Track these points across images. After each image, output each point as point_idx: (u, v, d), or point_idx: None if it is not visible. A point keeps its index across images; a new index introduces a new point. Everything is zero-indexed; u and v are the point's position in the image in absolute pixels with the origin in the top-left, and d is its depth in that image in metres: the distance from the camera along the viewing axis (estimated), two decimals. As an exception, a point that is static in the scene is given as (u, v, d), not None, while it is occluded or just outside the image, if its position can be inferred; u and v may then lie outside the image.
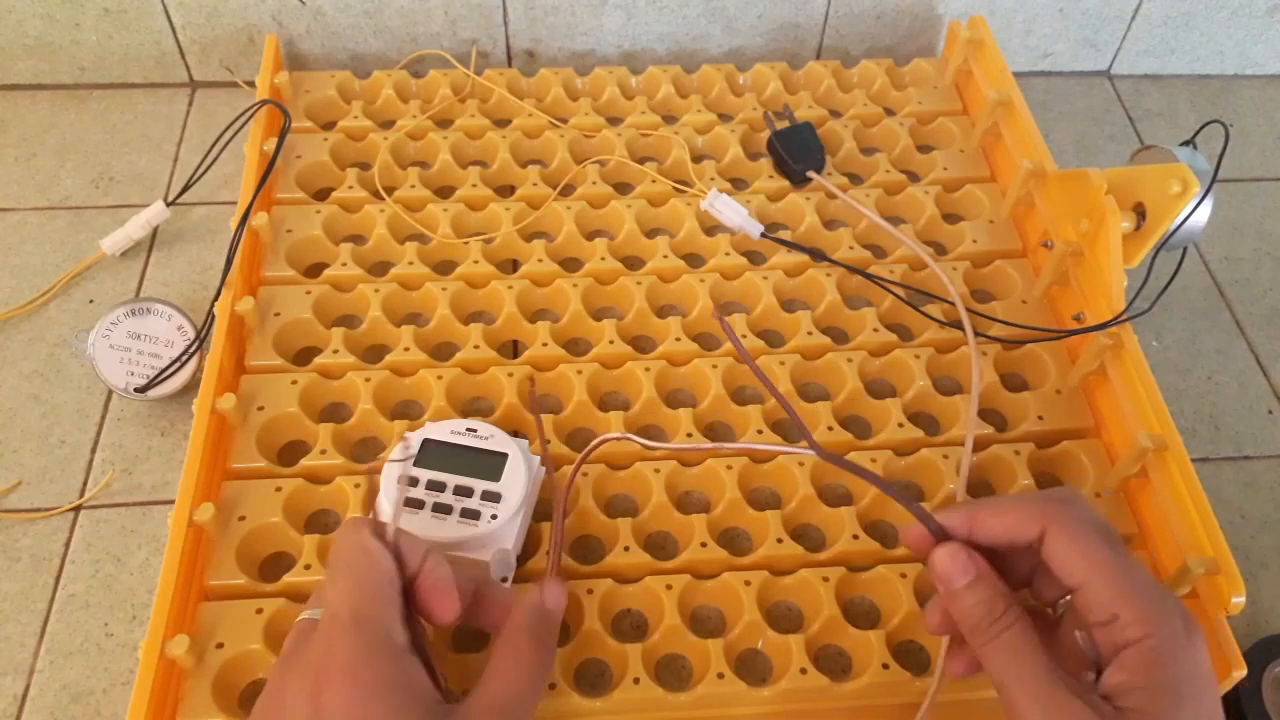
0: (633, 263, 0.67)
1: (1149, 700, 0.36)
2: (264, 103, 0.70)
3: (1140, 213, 0.60)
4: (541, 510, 0.55)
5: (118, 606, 0.55)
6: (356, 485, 0.55)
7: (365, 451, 0.58)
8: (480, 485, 0.51)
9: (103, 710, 0.51)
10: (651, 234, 0.68)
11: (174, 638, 0.47)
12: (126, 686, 0.52)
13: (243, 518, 0.53)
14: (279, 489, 0.55)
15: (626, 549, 0.53)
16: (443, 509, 0.51)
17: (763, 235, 0.67)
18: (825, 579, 0.52)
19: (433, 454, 0.53)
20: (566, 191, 0.70)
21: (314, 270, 0.66)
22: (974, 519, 0.41)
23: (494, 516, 0.50)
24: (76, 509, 0.59)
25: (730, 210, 0.67)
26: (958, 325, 0.63)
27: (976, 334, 0.62)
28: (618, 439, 0.53)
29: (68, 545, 0.57)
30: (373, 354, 0.62)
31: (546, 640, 0.45)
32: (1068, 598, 0.41)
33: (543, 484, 0.55)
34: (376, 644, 0.38)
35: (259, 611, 0.50)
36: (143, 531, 0.58)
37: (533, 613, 0.45)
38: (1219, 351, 0.70)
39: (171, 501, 0.57)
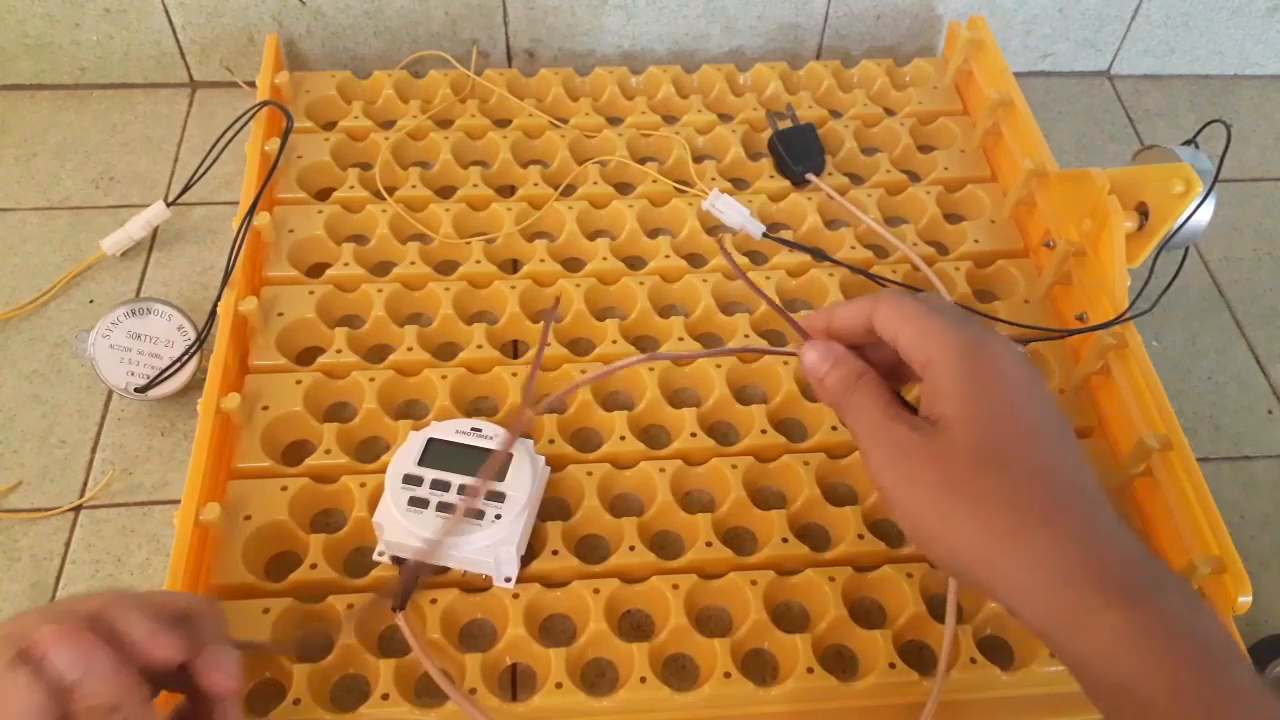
0: (634, 263, 0.67)
1: (941, 407, 0.38)
2: (265, 103, 0.69)
3: (1143, 212, 0.60)
4: (546, 510, 0.55)
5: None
6: (362, 484, 0.55)
7: (370, 451, 0.58)
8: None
9: (105, 711, 0.51)
10: (653, 234, 0.68)
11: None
12: (129, 687, 0.52)
13: (248, 517, 0.53)
14: (284, 488, 0.54)
15: (632, 548, 0.53)
16: (447, 508, 0.50)
17: (764, 235, 0.67)
18: (831, 579, 0.52)
19: (437, 453, 0.53)
20: (568, 191, 0.70)
21: (316, 270, 0.66)
22: (831, 314, 0.43)
23: (498, 516, 0.50)
24: (77, 509, 0.58)
25: (731, 210, 0.67)
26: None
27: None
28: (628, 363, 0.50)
29: (68, 545, 0.57)
30: (376, 354, 0.62)
31: None
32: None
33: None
34: None
35: (266, 611, 0.50)
36: (143, 531, 0.57)
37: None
38: (1219, 351, 0.70)
39: (172, 501, 0.57)
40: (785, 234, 0.69)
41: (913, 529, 0.39)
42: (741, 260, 0.67)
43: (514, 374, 0.60)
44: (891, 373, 0.43)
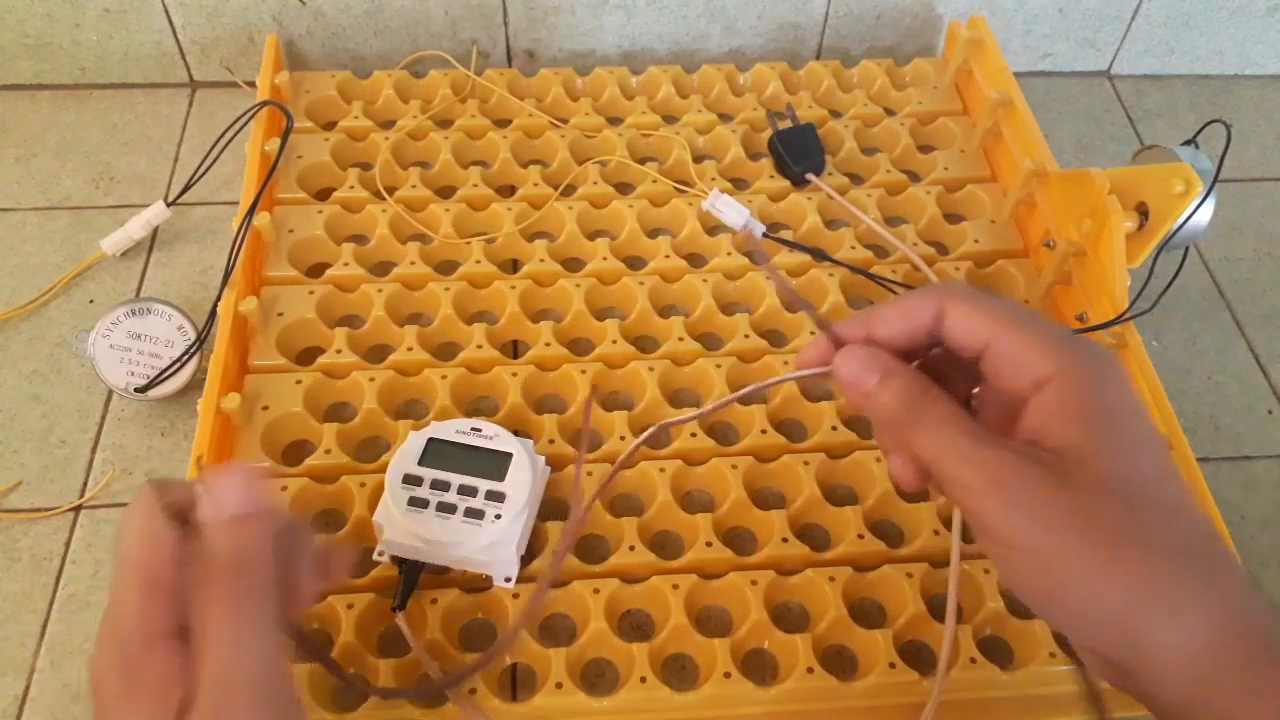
0: (635, 263, 0.67)
1: (1073, 432, 0.33)
2: (265, 103, 0.69)
3: (1143, 212, 0.60)
4: (545, 510, 0.55)
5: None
6: (362, 484, 0.55)
7: (370, 451, 0.58)
8: (484, 485, 0.51)
9: (105, 711, 0.51)
10: (653, 234, 0.68)
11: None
12: (129, 687, 0.52)
13: (247, 517, 0.53)
14: (284, 488, 0.54)
15: (632, 548, 0.53)
16: (447, 508, 0.50)
17: (764, 235, 0.67)
18: (831, 579, 0.52)
19: (437, 453, 0.53)
20: (568, 192, 0.70)
21: (316, 270, 0.66)
22: (869, 318, 0.37)
23: (498, 516, 0.50)
24: (77, 509, 0.58)
25: (731, 210, 0.67)
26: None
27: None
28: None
29: (68, 545, 0.57)
30: (376, 354, 0.62)
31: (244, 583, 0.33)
32: (976, 390, 0.39)
33: (568, 479, 0.55)
34: None
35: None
36: (144, 532, 0.57)
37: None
38: (1219, 352, 0.70)
39: (173, 502, 0.57)
40: (785, 234, 0.69)
41: (1029, 577, 0.32)
42: (741, 261, 0.67)
43: (514, 374, 0.60)
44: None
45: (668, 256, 0.67)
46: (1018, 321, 0.35)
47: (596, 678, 0.52)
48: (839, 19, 0.82)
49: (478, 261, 0.65)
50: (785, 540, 0.54)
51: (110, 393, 0.63)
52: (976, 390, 0.38)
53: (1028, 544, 0.32)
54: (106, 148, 0.76)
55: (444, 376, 0.59)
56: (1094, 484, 0.31)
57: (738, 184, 0.72)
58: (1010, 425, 0.35)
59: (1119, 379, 0.34)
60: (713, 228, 0.69)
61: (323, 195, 0.69)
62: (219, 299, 0.60)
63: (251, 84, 0.76)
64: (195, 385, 0.60)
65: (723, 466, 0.57)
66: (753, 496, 0.56)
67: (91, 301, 0.67)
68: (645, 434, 0.55)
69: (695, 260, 0.68)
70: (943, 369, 0.37)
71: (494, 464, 0.52)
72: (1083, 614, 0.32)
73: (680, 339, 0.63)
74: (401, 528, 0.50)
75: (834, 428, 0.59)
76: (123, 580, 0.32)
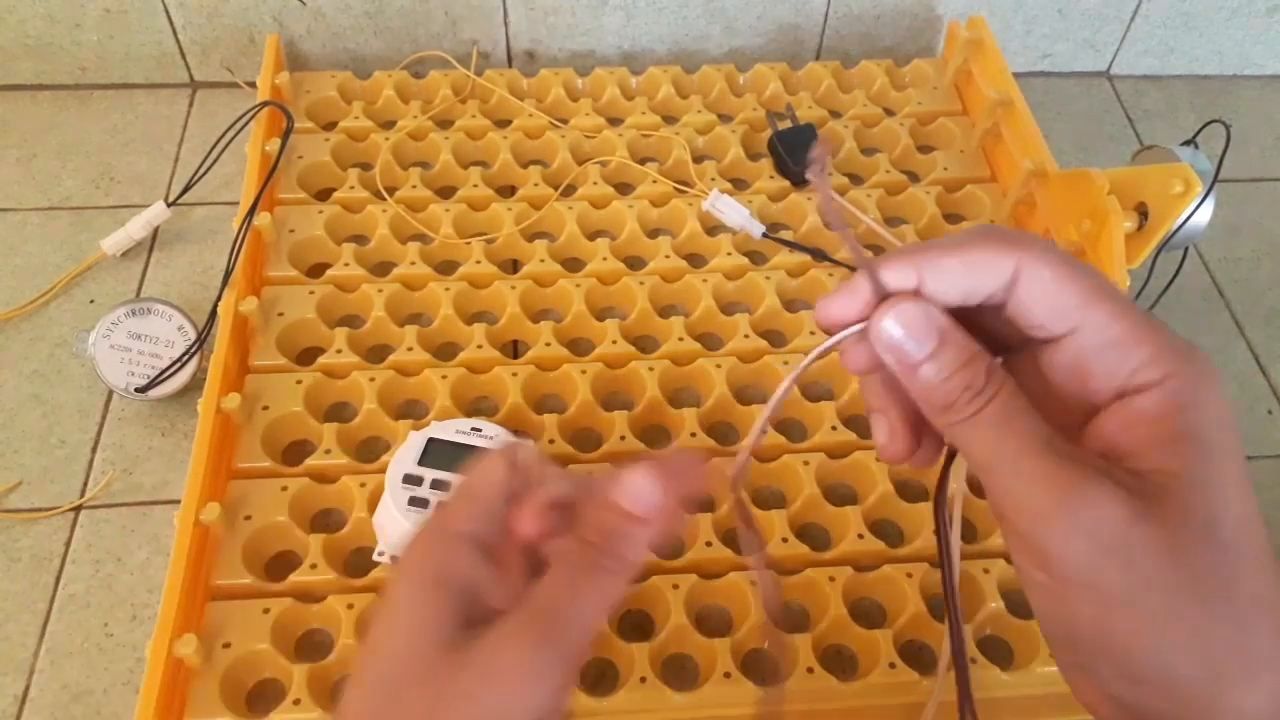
0: (635, 263, 0.67)
1: (1168, 456, 0.27)
2: (265, 104, 0.69)
3: (1142, 213, 0.60)
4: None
5: (118, 606, 0.55)
6: (363, 484, 0.55)
7: (370, 451, 0.58)
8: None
9: (103, 710, 0.51)
10: (653, 234, 0.68)
11: (181, 637, 0.47)
12: (127, 686, 0.52)
13: (248, 517, 0.53)
14: (284, 488, 0.54)
15: (631, 548, 0.53)
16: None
17: (764, 235, 0.68)
18: (831, 578, 0.52)
19: (437, 453, 0.53)
20: (568, 192, 0.70)
21: (316, 270, 0.66)
22: (921, 262, 0.29)
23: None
24: (77, 509, 0.58)
25: (731, 210, 0.68)
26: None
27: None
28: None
29: (68, 545, 0.57)
30: (376, 354, 0.62)
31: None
32: (1000, 361, 0.31)
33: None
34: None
35: (266, 611, 0.50)
36: (143, 531, 0.57)
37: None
38: (1219, 351, 0.70)
39: (172, 501, 0.57)
40: (785, 234, 0.69)
41: (1084, 621, 0.28)
42: (741, 261, 0.67)
43: (514, 374, 0.60)
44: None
45: (668, 257, 0.67)
46: (1120, 308, 0.28)
47: (597, 678, 0.52)
48: (839, 19, 0.82)
49: (478, 262, 0.65)
50: (785, 540, 0.54)
51: (110, 393, 0.63)
52: (1000, 360, 0.31)
53: (1093, 582, 0.27)
54: (107, 148, 0.76)
55: (444, 377, 0.59)
56: (1183, 521, 0.26)
57: (738, 184, 0.72)
58: (1066, 424, 0.29)
59: (1227, 402, 0.28)
60: (713, 228, 0.69)
61: (323, 195, 0.69)
62: (219, 299, 0.60)
63: (252, 84, 0.76)
64: (195, 385, 0.60)
65: (723, 466, 0.56)
66: (753, 496, 0.56)
67: (92, 302, 0.67)
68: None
69: (695, 260, 0.68)
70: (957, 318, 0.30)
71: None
72: (1146, 666, 0.27)
73: (680, 339, 0.63)
74: (402, 528, 0.50)
75: (834, 428, 0.59)
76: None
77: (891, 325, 0.29)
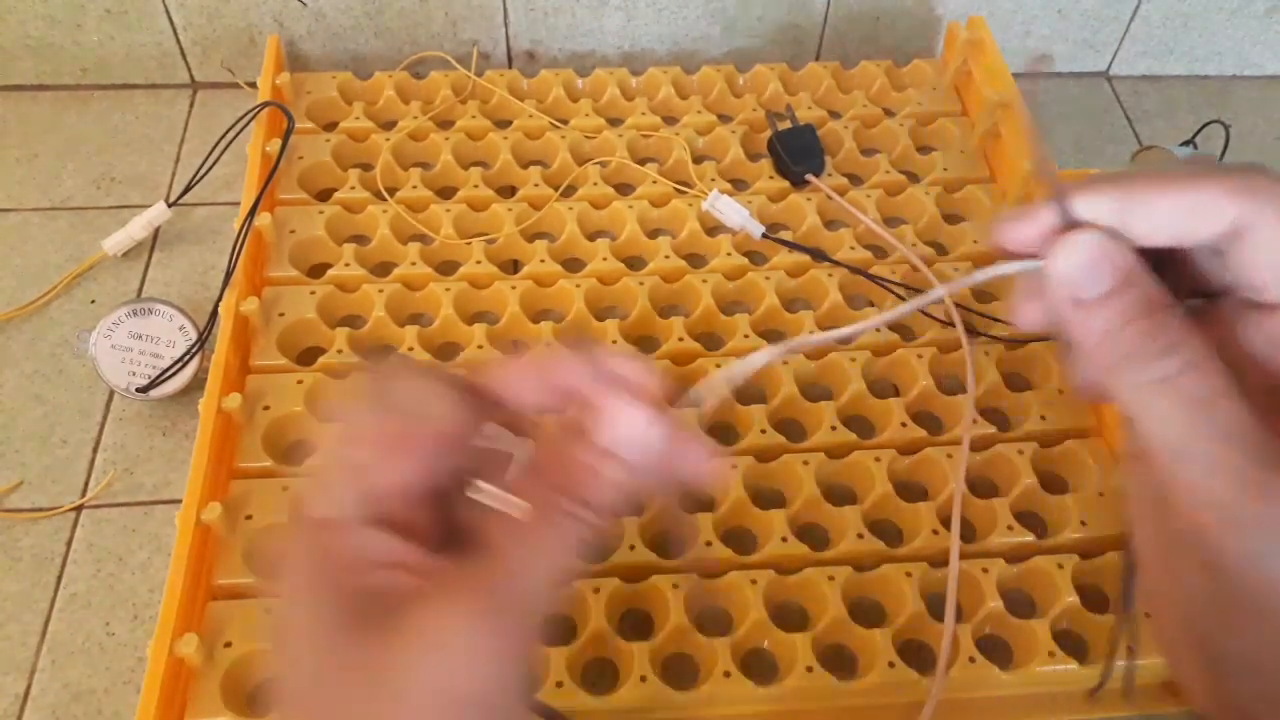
0: (635, 263, 0.67)
1: None
2: (266, 104, 0.70)
3: (1141, 213, 0.60)
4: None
5: (119, 606, 0.55)
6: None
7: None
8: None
9: (104, 710, 0.51)
10: (653, 234, 0.68)
11: (182, 637, 0.47)
12: (128, 686, 0.52)
13: (250, 516, 0.53)
14: (286, 488, 0.55)
15: (632, 548, 0.54)
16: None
17: (764, 236, 0.68)
18: (831, 578, 0.53)
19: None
20: (568, 192, 0.70)
21: (317, 270, 0.66)
22: (1129, 195, 0.26)
23: (500, 515, 0.50)
24: (78, 509, 0.58)
25: (731, 211, 0.68)
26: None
27: (980, 333, 0.63)
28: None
29: (69, 545, 0.57)
30: (377, 354, 0.62)
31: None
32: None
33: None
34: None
35: (268, 611, 0.50)
36: (144, 531, 0.58)
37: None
38: (1218, 351, 0.70)
39: (173, 501, 0.57)
40: (785, 234, 0.69)
41: (1256, 626, 0.25)
42: (741, 261, 0.67)
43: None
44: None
45: (668, 257, 0.67)
46: None
47: (596, 677, 0.52)
48: (838, 20, 0.83)
49: (478, 262, 0.66)
50: (785, 540, 0.54)
51: (111, 393, 0.63)
52: (1195, 302, 0.27)
53: (1274, 596, 0.24)
54: (108, 148, 0.77)
55: (445, 376, 0.59)
56: None
57: (737, 185, 0.72)
58: (1252, 396, 0.25)
59: None
60: (712, 228, 0.69)
61: (324, 196, 0.69)
62: (220, 299, 0.60)
63: (252, 85, 0.76)
64: (196, 385, 0.60)
65: (723, 466, 0.57)
66: (753, 496, 0.56)
67: (93, 302, 0.67)
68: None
69: (695, 261, 0.68)
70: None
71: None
72: None
73: (680, 339, 0.63)
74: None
75: (833, 427, 0.59)
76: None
77: (1069, 256, 0.26)
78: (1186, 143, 0.64)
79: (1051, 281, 0.26)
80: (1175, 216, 0.25)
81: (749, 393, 0.62)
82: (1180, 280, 0.26)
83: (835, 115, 0.76)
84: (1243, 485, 0.24)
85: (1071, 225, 0.26)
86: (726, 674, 0.49)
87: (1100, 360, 0.26)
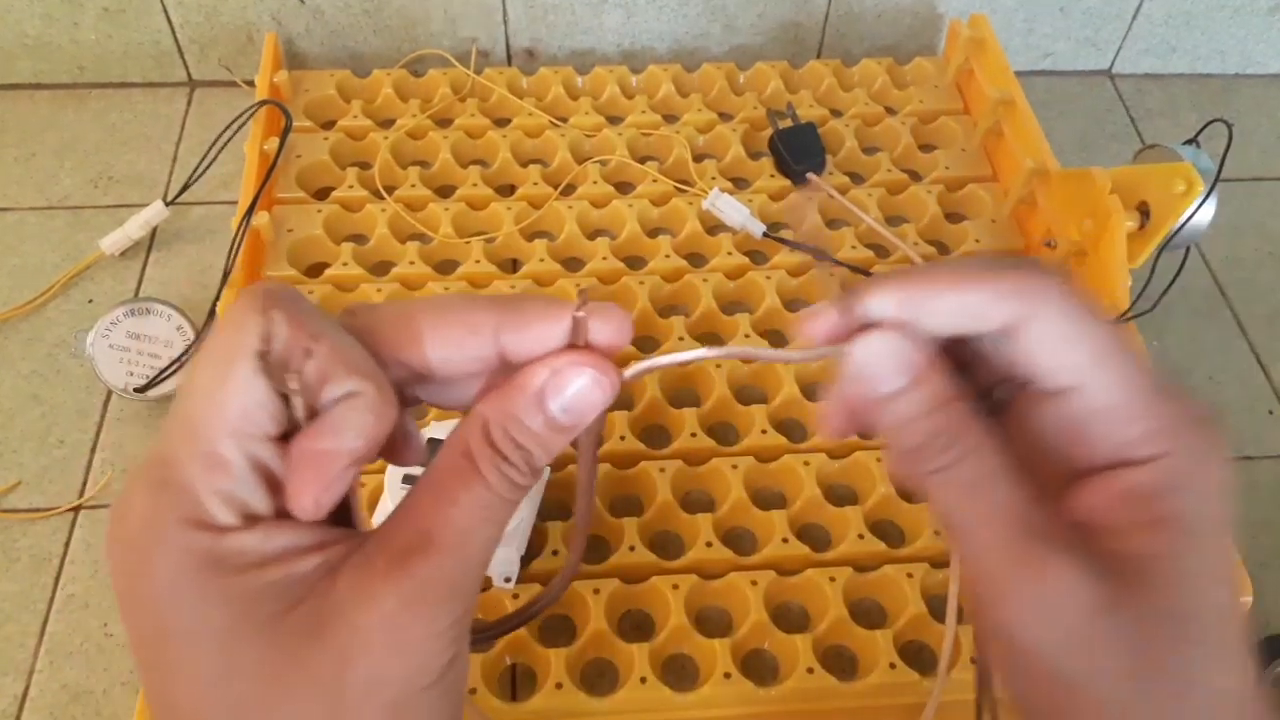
0: (635, 262, 0.67)
1: (1156, 543, 0.26)
2: (264, 102, 0.69)
3: (1144, 212, 0.60)
4: (546, 510, 0.55)
5: (117, 607, 0.54)
6: (362, 484, 0.54)
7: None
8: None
9: (103, 710, 0.51)
10: (653, 234, 0.68)
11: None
12: (126, 686, 0.52)
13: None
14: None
15: (632, 549, 0.53)
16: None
17: (765, 235, 0.67)
18: (832, 579, 0.52)
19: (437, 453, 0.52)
20: (568, 191, 0.70)
21: (315, 270, 0.65)
22: (915, 295, 0.27)
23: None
24: (76, 509, 0.58)
25: (732, 210, 0.67)
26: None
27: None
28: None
29: (67, 545, 0.57)
30: (375, 353, 0.62)
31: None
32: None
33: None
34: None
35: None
36: (143, 532, 0.57)
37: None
38: (1220, 351, 0.70)
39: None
40: (785, 233, 0.69)
41: (1053, 703, 0.27)
42: (742, 260, 0.67)
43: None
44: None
45: (668, 256, 0.67)
46: (1130, 373, 0.26)
47: (596, 678, 0.51)
48: (840, 18, 0.82)
49: (477, 261, 0.65)
50: (785, 540, 0.54)
51: (109, 393, 0.63)
52: (993, 394, 0.29)
53: (1052, 668, 0.26)
54: (105, 147, 0.76)
55: (444, 376, 0.59)
56: (1155, 615, 0.25)
57: (738, 183, 0.72)
58: (1046, 482, 0.27)
59: (1228, 485, 0.26)
60: (713, 227, 0.69)
61: (322, 195, 0.69)
62: (218, 298, 0.60)
63: (250, 83, 0.76)
64: (194, 385, 0.60)
65: (723, 466, 0.57)
66: (753, 496, 0.56)
67: (90, 301, 0.67)
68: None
69: (695, 260, 0.68)
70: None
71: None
72: None
73: (680, 339, 0.62)
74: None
75: (834, 428, 0.59)
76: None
77: (866, 351, 0.27)
78: (1189, 141, 0.64)
79: (849, 374, 0.27)
80: (954, 316, 0.27)
81: (750, 393, 0.61)
82: (993, 367, 0.28)
83: (836, 113, 0.76)
84: (1009, 558, 0.25)
85: (867, 325, 0.27)
86: (727, 675, 0.49)
87: (896, 452, 0.27)
